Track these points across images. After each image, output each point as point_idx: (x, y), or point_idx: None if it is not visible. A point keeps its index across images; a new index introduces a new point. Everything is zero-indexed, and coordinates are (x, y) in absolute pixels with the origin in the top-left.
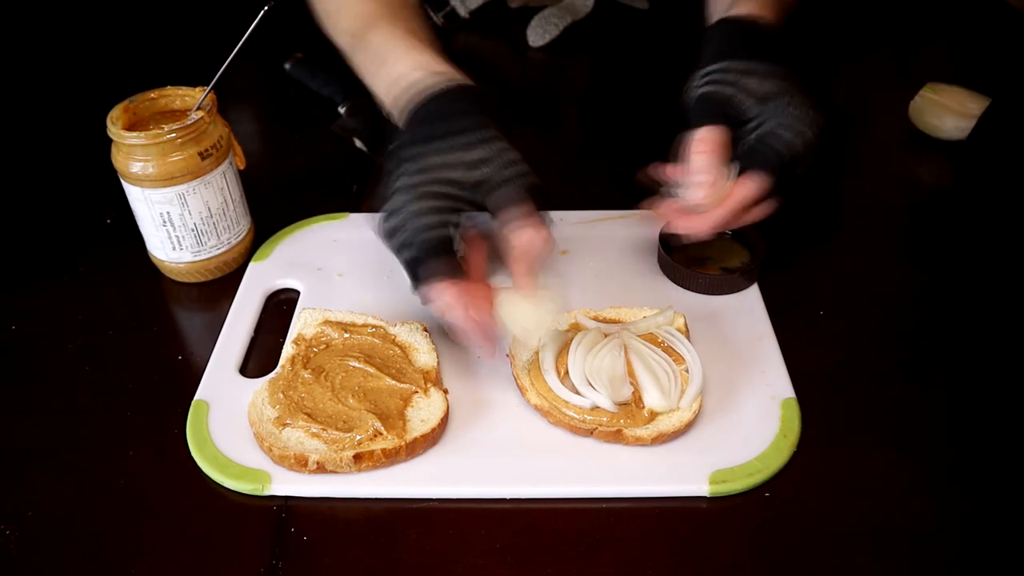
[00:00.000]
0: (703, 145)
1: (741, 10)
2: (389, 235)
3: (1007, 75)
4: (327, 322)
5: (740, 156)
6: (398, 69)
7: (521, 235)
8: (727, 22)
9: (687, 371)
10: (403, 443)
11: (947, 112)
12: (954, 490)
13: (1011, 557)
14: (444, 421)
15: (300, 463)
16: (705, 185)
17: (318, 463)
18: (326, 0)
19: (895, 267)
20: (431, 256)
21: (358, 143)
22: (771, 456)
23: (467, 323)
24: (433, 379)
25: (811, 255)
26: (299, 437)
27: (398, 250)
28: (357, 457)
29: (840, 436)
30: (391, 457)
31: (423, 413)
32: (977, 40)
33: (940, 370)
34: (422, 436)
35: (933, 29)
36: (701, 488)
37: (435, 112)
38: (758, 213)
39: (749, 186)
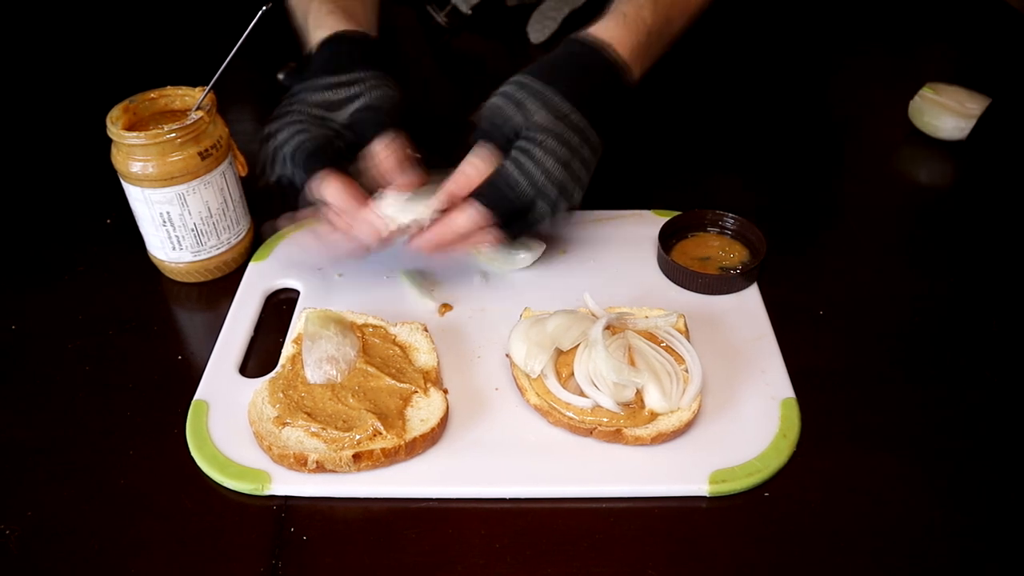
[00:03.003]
0: (476, 163)
1: (601, 29)
2: (267, 138)
3: (1007, 75)
4: (329, 321)
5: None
6: (314, 36)
7: (378, 145)
8: (572, 40)
9: (687, 371)
10: (403, 443)
11: (947, 112)
12: (954, 489)
13: (1011, 557)
14: (444, 421)
15: (300, 462)
16: (447, 199)
17: (318, 462)
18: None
19: (895, 267)
20: (305, 161)
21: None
22: (771, 456)
23: (344, 211)
24: (433, 379)
25: (811, 255)
26: (299, 436)
27: (271, 166)
28: (357, 456)
29: (840, 436)
30: (391, 457)
31: (423, 413)
32: (977, 40)
33: (940, 370)
34: (422, 436)
35: (933, 29)
36: (701, 488)
37: (319, 56)
38: (479, 239)
39: (464, 215)
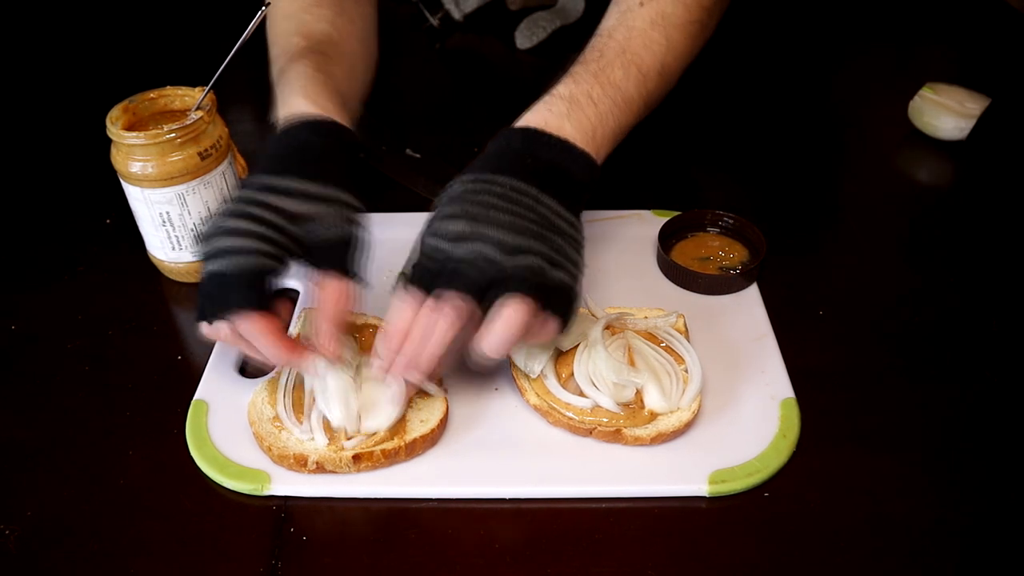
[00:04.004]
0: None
1: (525, 119)
2: (201, 239)
3: (1007, 75)
4: None
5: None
6: (289, 103)
7: (325, 289)
8: (494, 137)
9: (687, 371)
10: (403, 443)
11: (947, 112)
12: (954, 489)
13: (1011, 557)
14: (444, 421)
15: (299, 463)
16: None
17: (317, 463)
18: (272, 27)
19: (895, 267)
20: (239, 286)
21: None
22: (770, 456)
23: (277, 349)
24: (433, 379)
25: (811, 255)
26: (299, 437)
27: (201, 257)
28: (356, 457)
29: (840, 436)
30: (391, 457)
31: (423, 414)
32: (977, 40)
33: (940, 370)
34: (421, 436)
35: (933, 29)
36: (701, 488)
37: (288, 147)
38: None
39: (510, 313)
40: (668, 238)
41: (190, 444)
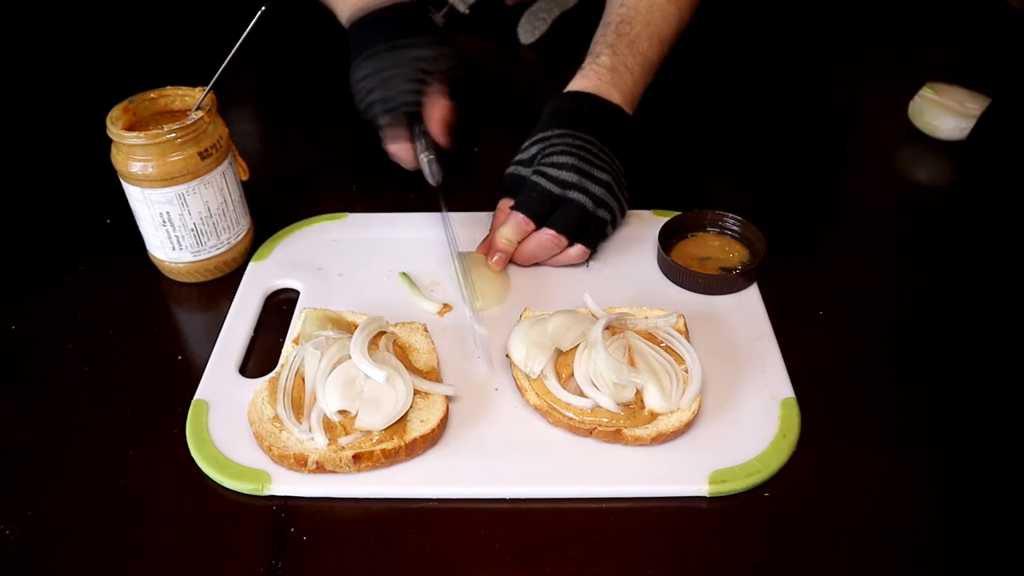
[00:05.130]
0: (499, 213)
1: (580, 83)
2: (358, 88)
3: (1007, 75)
4: (328, 321)
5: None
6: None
7: (433, 100)
8: (561, 97)
9: (687, 371)
10: (403, 443)
11: (947, 112)
12: (953, 489)
13: (1011, 557)
14: (444, 422)
15: (300, 463)
16: (503, 254)
17: (317, 463)
18: None
19: (895, 267)
20: (391, 110)
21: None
22: (770, 456)
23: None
24: (433, 379)
25: (811, 255)
26: (298, 436)
27: (367, 96)
28: (356, 457)
29: (840, 436)
30: (391, 457)
31: (423, 414)
32: (977, 40)
33: (940, 370)
34: (421, 436)
35: (933, 29)
36: (701, 488)
37: (400, 17)
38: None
39: (505, 224)
40: (668, 238)
41: (190, 444)
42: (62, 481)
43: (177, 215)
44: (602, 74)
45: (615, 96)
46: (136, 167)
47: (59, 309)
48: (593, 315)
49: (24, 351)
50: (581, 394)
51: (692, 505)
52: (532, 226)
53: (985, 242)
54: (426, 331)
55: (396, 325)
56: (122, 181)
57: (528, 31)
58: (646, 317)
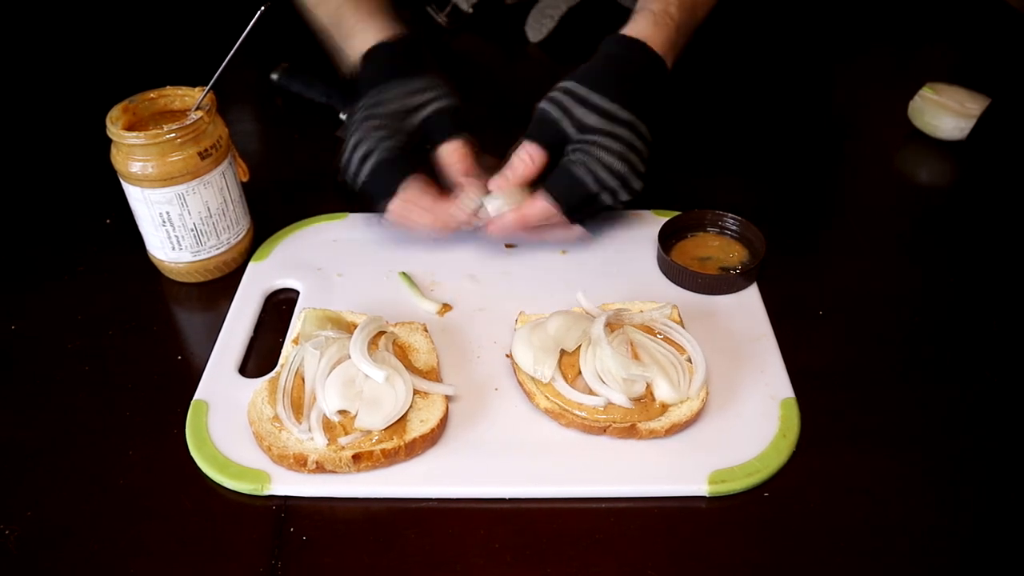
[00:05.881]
0: (525, 158)
1: (633, 29)
2: (343, 171)
3: (1007, 75)
4: (328, 321)
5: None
6: (355, 43)
7: (446, 146)
8: (610, 41)
9: (690, 360)
10: (402, 443)
11: (947, 112)
12: (954, 489)
13: (1011, 557)
14: (443, 422)
15: (299, 463)
16: (506, 183)
17: (317, 463)
18: None
19: (895, 267)
20: (377, 178)
21: None
22: (770, 456)
23: (419, 220)
24: (433, 379)
25: (811, 255)
26: (298, 436)
27: (352, 180)
28: (356, 457)
29: (840, 436)
30: (390, 457)
31: (422, 414)
32: (977, 40)
33: (940, 370)
34: (421, 436)
35: (933, 29)
36: (700, 488)
37: (374, 63)
38: (558, 234)
39: (535, 206)
40: (668, 238)
41: (190, 444)
42: (62, 481)
43: (177, 215)
44: (671, 28)
45: (668, 54)
46: (136, 167)
47: (59, 309)
48: (589, 313)
49: (24, 351)
50: (591, 393)
51: (692, 505)
52: (559, 216)
53: (985, 242)
54: (426, 331)
55: (396, 325)
56: (122, 181)
57: (536, 29)
58: (641, 311)
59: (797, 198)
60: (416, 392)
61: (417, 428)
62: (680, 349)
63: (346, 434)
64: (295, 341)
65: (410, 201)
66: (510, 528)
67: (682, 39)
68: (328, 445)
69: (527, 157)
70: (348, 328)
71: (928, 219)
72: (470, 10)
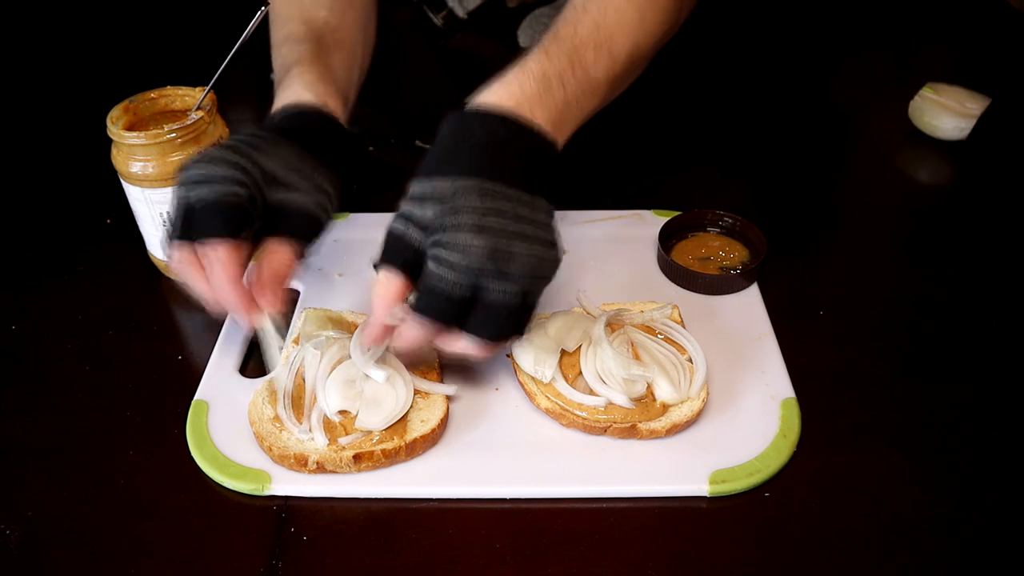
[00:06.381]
0: (380, 290)
1: (498, 94)
2: (180, 168)
3: (1007, 75)
4: (329, 321)
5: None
6: (281, 94)
7: (273, 252)
8: (468, 117)
9: (690, 360)
10: (403, 443)
11: (947, 112)
12: (954, 489)
13: (1011, 557)
14: (444, 422)
15: (300, 463)
16: (377, 330)
17: (318, 463)
18: (274, 12)
19: (895, 267)
20: (208, 212)
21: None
22: (771, 456)
23: (198, 284)
24: (433, 379)
25: (811, 255)
26: (298, 437)
27: (178, 191)
28: (357, 457)
29: (840, 436)
30: (391, 457)
31: (423, 414)
32: (977, 40)
33: (940, 370)
34: (422, 437)
35: (933, 29)
36: (701, 488)
37: (275, 122)
38: (455, 347)
39: (403, 333)
40: (668, 238)
41: (190, 444)
42: (62, 481)
43: None
44: (527, 84)
45: (539, 115)
46: (136, 167)
47: (59, 309)
48: (589, 314)
49: (24, 351)
50: (592, 393)
51: (692, 505)
52: (440, 332)
53: (985, 242)
54: None
55: None
56: (122, 181)
57: (528, 35)
58: (641, 311)
59: (797, 198)
60: (417, 392)
61: (418, 428)
62: (681, 349)
63: (347, 434)
64: (295, 341)
65: (207, 260)
66: (510, 528)
67: (585, 98)
68: (329, 445)
69: (381, 290)
70: (349, 328)
71: (928, 219)
72: (465, 16)
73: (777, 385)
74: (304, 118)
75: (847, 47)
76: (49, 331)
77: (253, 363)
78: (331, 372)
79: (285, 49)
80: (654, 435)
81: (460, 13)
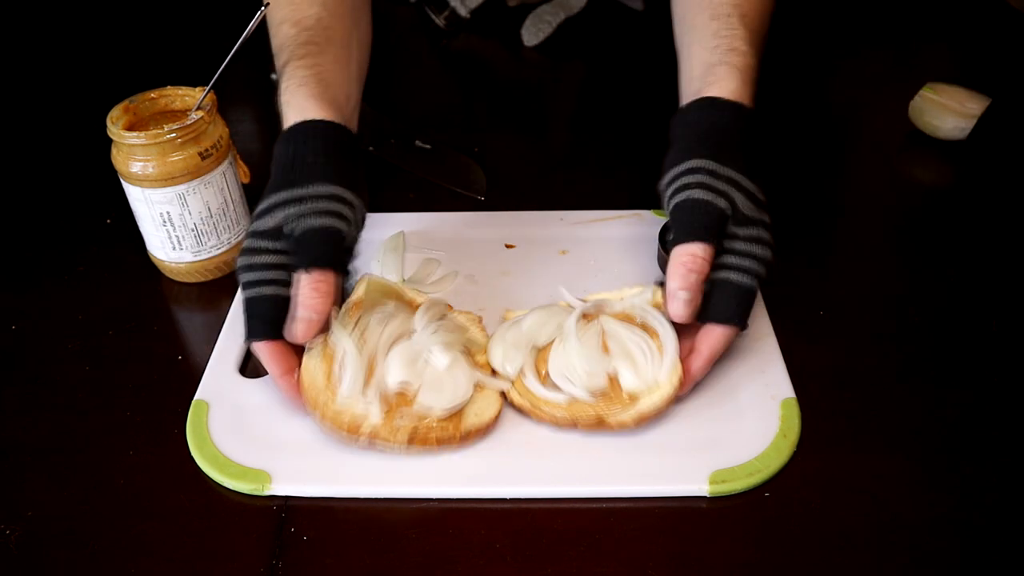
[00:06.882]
0: (694, 264)
1: (719, 88)
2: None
3: (1007, 75)
4: (390, 291)
5: (709, 292)
6: (286, 113)
7: (299, 288)
8: (710, 106)
9: (661, 345)
10: (458, 432)
11: (947, 112)
12: (954, 489)
13: (1011, 557)
14: (497, 417)
15: (352, 431)
16: (690, 306)
17: (371, 435)
18: (271, 13)
19: (895, 267)
20: (248, 316)
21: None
22: (771, 456)
23: (278, 381)
24: (487, 373)
25: (811, 255)
26: (355, 406)
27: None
28: (411, 438)
29: (840, 436)
30: (443, 444)
31: (477, 407)
32: (977, 40)
33: (940, 370)
34: (476, 429)
35: (933, 29)
36: (701, 488)
37: (276, 159)
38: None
39: (716, 341)
40: (668, 238)
41: (190, 444)
42: (62, 481)
43: (177, 215)
44: (754, 82)
45: (748, 103)
46: (136, 167)
47: (59, 309)
48: (571, 307)
49: (24, 351)
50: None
51: (692, 505)
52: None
53: (985, 242)
54: (481, 323)
55: (453, 311)
56: (122, 181)
57: (532, 33)
58: (622, 298)
59: (797, 198)
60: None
61: (472, 420)
62: (655, 335)
63: (407, 402)
64: (356, 305)
65: (259, 359)
66: (510, 528)
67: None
68: (383, 419)
69: (699, 259)
70: (409, 304)
71: (928, 219)
72: (467, 16)
73: (777, 385)
74: (310, 135)
75: (847, 47)
76: (49, 331)
77: (253, 363)
78: (392, 346)
79: (281, 60)
80: (623, 427)
81: (463, 12)
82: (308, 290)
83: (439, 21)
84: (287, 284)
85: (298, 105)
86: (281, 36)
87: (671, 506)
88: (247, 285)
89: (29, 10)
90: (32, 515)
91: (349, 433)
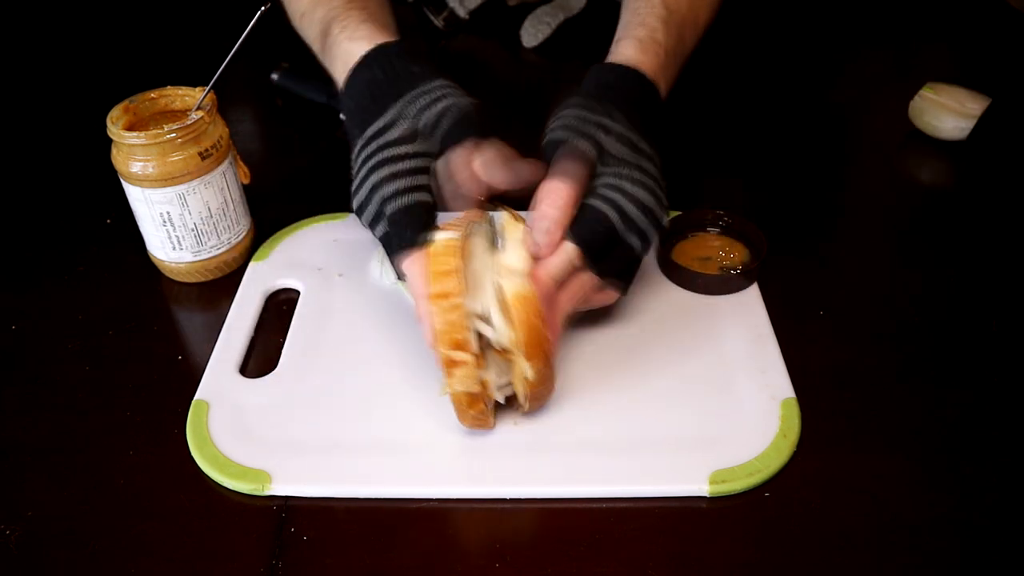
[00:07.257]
0: (552, 197)
1: (614, 56)
2: (359, 213)
3: (1007, 75)
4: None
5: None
6: (344, 51)
7: (452, 159)
8: (598, 70)
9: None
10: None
11: (947, 112)
12: (954, 489)
13: (1011, 557)
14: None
15: (459, 347)
16: (548, 236)
17: (476, 355)
18: (294, 3)
19: (895, 267)
20: (398, 228)
21: None
22: (771, 456)
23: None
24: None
25: (811, 255)
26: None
27: (370, 227)
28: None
29: (840, 436)
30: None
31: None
32: (977, 40)
33: (940, 370)
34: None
35: (933, 29)
36: (701, 488)
37: (363, 78)
38: (594, 299)
39: (557, 255)
40: (668, 238)
41: (190, 444)
42: (62, 481)
43: (177, 215)
44: (659, 55)
45: (660, 82)
46: (136, 167)
47: (59, 309)
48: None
49: (24, 351)
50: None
51: (692, 505)
52: (582, 265)
53: (985, 242)
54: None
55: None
56: (122, 181)
57: (531, 34)
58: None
59: (797, 198)
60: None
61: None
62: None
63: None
64: (464, 227)
65: (406, 273)
66: (510, 528)
67: (672, 67)
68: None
69: (546, 203)
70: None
71: (928, 219)
72: (466, 17)
73: (777, 385)
74: (401, 53)
75: (847, 48)
76: (49, 331)
77: (253, 363)
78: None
79: (329, 16)
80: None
81: (462, 13)
82: (493, 156)
83: (438, 22)
84: (431, 192)
85: (367, 36)
86: (320, 12)
87: (671, 506)
88: (397, 194)
89: (29, 10)
90: (32, 515)
91: (455, 348)
